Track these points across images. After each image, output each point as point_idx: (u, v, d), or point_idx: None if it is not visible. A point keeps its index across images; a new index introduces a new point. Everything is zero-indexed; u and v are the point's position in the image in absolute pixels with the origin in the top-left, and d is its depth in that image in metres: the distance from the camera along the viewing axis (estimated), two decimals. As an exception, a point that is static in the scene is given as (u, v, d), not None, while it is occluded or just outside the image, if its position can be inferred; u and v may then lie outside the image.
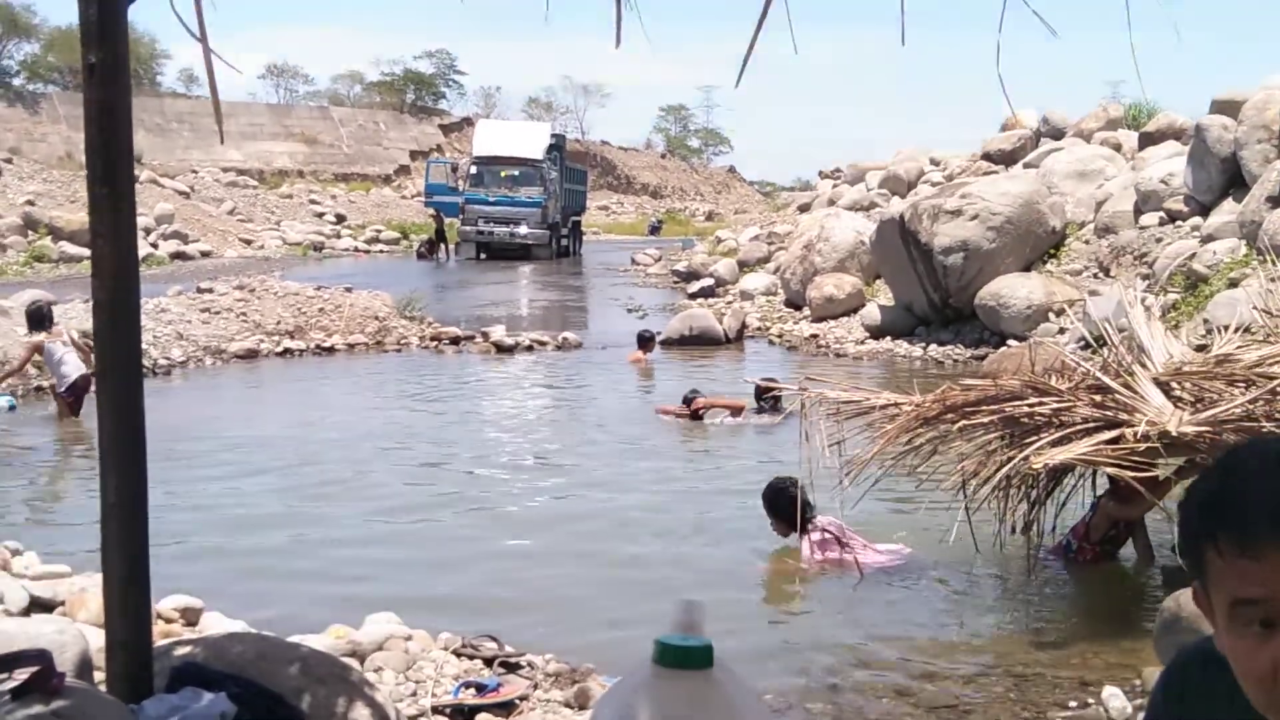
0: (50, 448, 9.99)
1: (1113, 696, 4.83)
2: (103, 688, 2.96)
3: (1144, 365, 6.52)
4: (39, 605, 4.57)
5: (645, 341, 15.77)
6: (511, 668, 4.62)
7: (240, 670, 3.07)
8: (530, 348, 16.87)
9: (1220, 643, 1.23)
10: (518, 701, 4.27)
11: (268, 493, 8.70)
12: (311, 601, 6.08)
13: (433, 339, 17.27)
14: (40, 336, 10.83)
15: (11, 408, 11.23)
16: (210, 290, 17.88)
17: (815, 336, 18.13)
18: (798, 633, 5.97)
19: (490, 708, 4.20)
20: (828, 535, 6.75)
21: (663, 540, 7.48)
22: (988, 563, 6.85)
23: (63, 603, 4.60)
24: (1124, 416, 5.91)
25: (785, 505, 6.77)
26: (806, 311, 19.68)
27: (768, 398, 10.88)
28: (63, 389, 10.61)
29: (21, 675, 2.59)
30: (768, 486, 6.96)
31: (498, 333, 17.17)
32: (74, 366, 10.63)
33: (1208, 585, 1.24)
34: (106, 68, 2.95)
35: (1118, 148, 21.27)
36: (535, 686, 4.48)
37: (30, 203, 32.91)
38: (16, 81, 55.22)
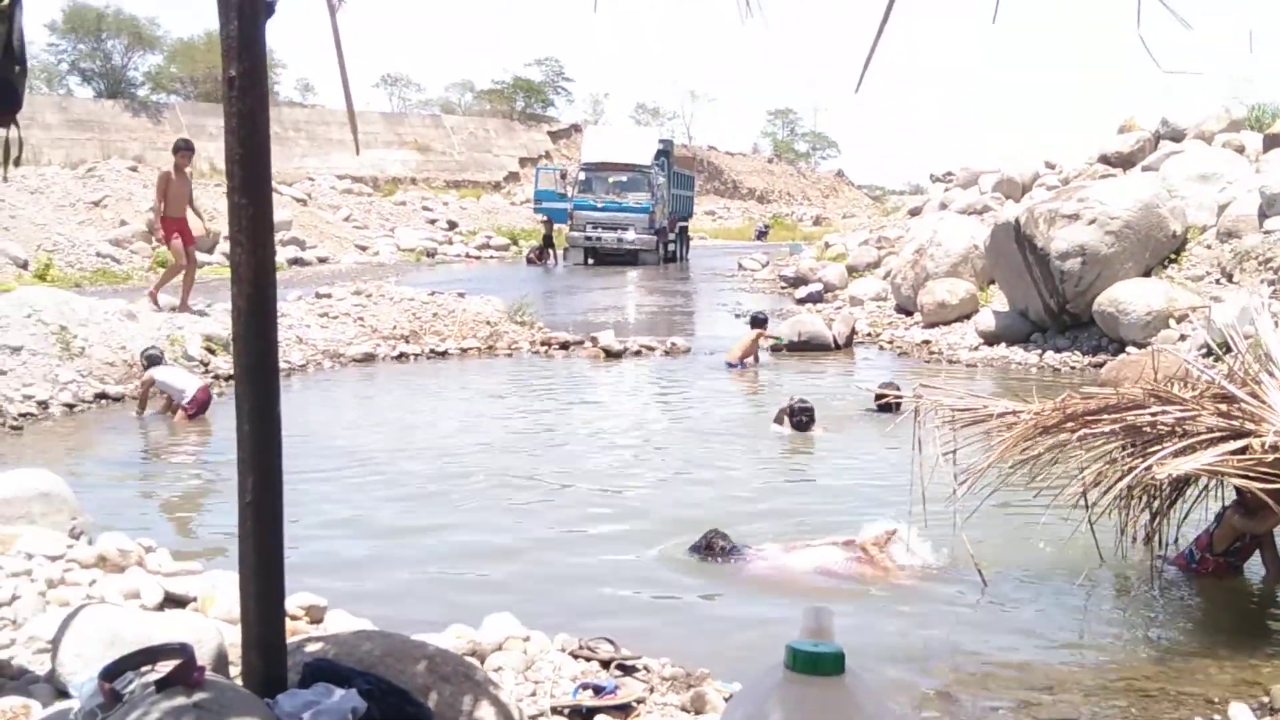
0: (171, 452, 10.28)
1: (1240, 713, 4.70)
2: (238, 682, 3.06)
3: (1272, 374, 6.35)
4: (172, 601, 4.72)
5: (761, 322, 16.39)
6: (628, 670, 4.65)
7: (369, 667, 3.14)
8: (638, 353, 16.94)
9: None
10: (634, 704, 4.30)
11: (381, 495, 8.86)
12: (431, 602, 6.19)
13: (542, 344, 17.42)
14: (150, 373, 11.67)
15: None
16: (328, 295, 18.28)
17: (927, 343, 17.94)
18: (914, 640, 5.91)
19: (608, 709, 4.23)
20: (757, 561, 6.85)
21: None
22: (1110, 573, 6.73)
23: (194, 599, 4.74)
24: (1251, 426, 5.76)
25: (715, 555, 6.91)
26: (917, 317, 19.48)
27: (884, 405, 10.83)
28: (186, 402, 11.20)
29: (164, 668, 2.69)
30: (701, 541, 7.04)
31: (606, 338, 17.27)
32: (190, 383, 11.52)
33: None
34: (246, 80, 3.06)
35: (1241, 150, 20.68)
36: (651, 690, 4.50)
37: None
38: (141, 92, 57.10)
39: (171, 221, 15.76)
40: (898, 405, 9.46)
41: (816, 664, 1.75)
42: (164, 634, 3.24)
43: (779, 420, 11.01)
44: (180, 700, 2.60)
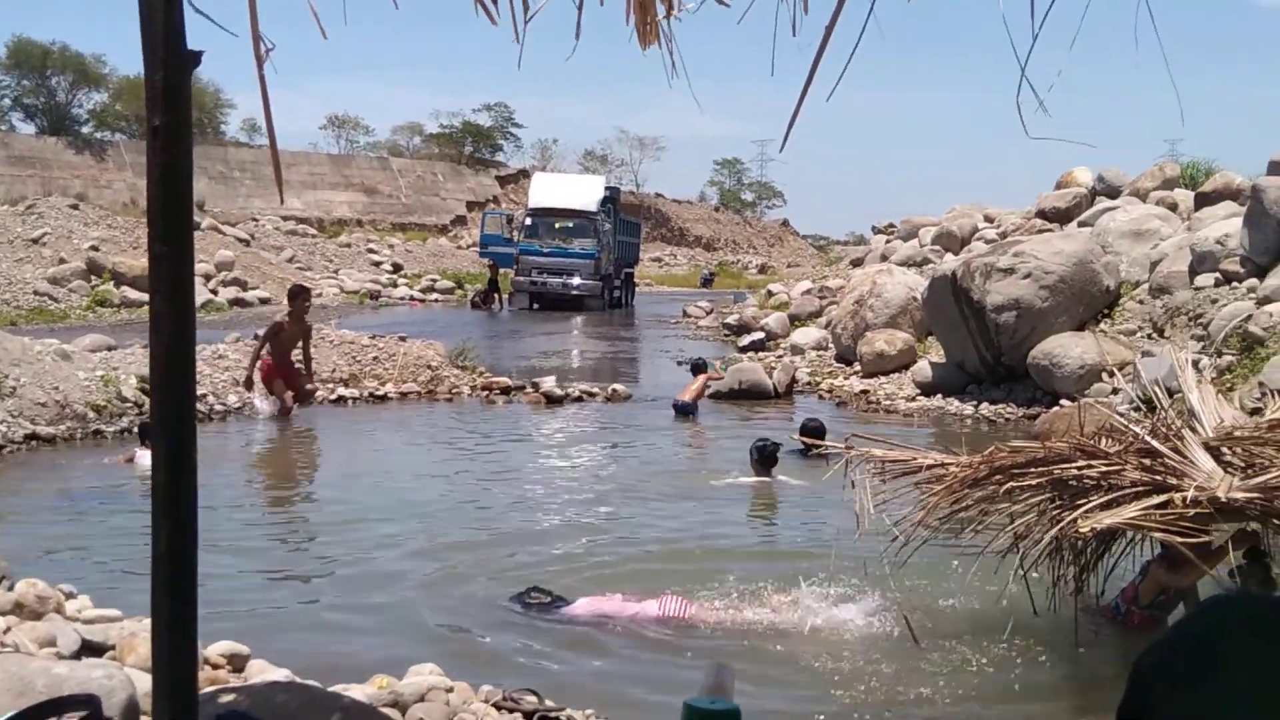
0: (101, 496, 10.13)
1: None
2: (149, 733, 3.02)
3: (1194, 429, 6.47)
4: (90, 649, 4.65)
5: (700, 368, 16.70)
6: (551, 722, 4.63)
7: None
8: (580, 399, 16.94)
9: None
10: (556, 756, 4.29)
11: (311, 538, 8.79)
12: (354, 651, 6.14)
13: (484, 389, 17.37)
14: (137, 454, 10.84)
15: None
16: (267, 338, 18.12)
17: (866, 392, 18.07)
18: (846, 696, 5.93)
19: (529, 762, 4.21)
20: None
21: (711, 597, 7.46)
22: (1039, 625, 6.78)
23: (113, 647, 4.68)
24: (1173, 481, 5.86)
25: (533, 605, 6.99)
26: (857, 367, 19.63)
27: (811, 453, 10.92)
28: None
29: (71, 719, 2.65)
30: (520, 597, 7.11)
31: (548, 384, 17.26)
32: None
33: None
34: (170, 131, 3.04)
35: (1174, 207, 21.12)
36: (574, 741, 4.49)
37: (95, 248, 33.58)
38: (85, 129, 56.58)
39: (275, 368, 14.69)
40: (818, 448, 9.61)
41: (712, 721, 1.76)
42: (76, 684, 3.20)
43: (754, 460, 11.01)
44: (84, 753, 2.56)
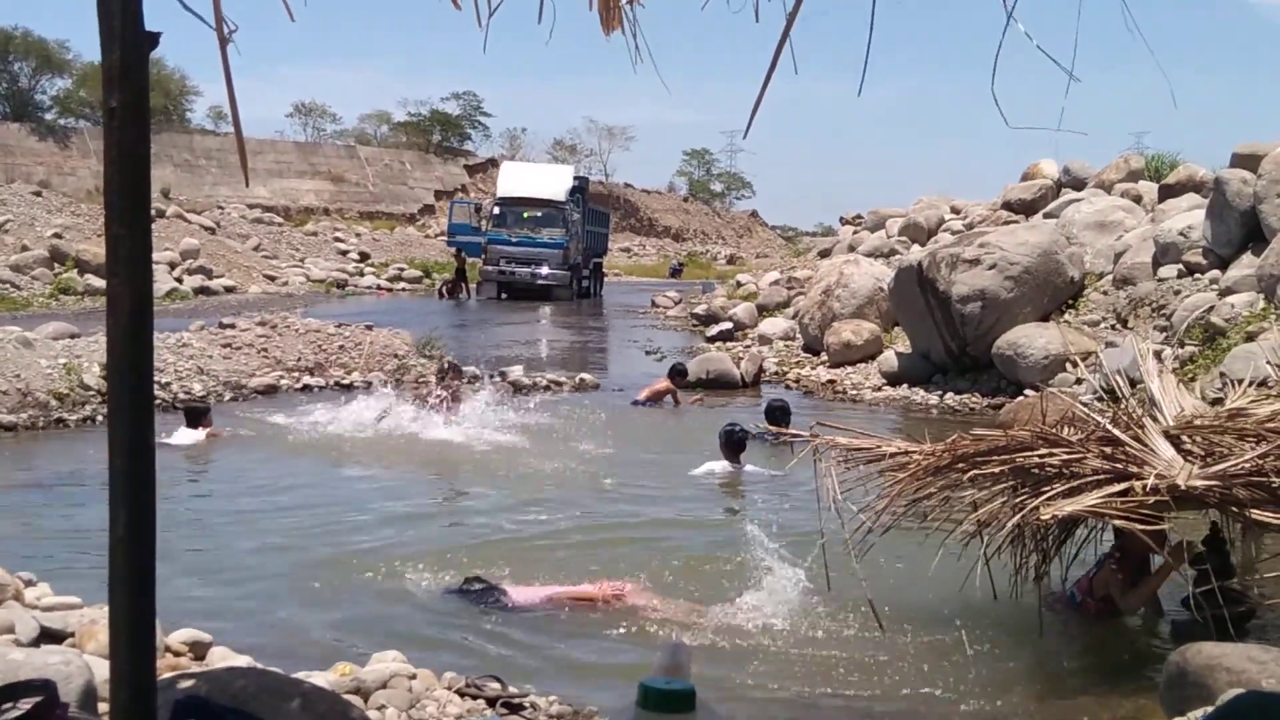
0: (62, 482, 10.06)
1: (1117, 750, 4.81)
2: (106, 719, 3.00)
3: (1155, 418, 6.53)
4: (49, 636, 4.61)
5: (676, 375, 16.06)
6: (514, 708, 4.64)
7: (242, 705, 3.10)
8: (547, 388, 16.92)
9: None
10: (519, 742, 4.29)
11: (279, 529, 8.75)
12: (318, 639, 6.12)
13: (451, 378, 17.30)
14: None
15: None
16: (232, 326, 18.03)
17: (832, 382, 18.14)
18: (804, 679, 5.96)
19: (491, 748, 4.22)
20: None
21: (667, 578, 7.48)
22: (1000, 612, 6.83)
23: (72, 634, 4.64)
24: (1134, 469, 5.91)
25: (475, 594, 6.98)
26: (824, 357, 19.70)
27: (780, 440, 10.95)
28: None
29: (25, 705, 2.63)
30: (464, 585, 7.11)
31: (515, 373, 17.23)
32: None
33: None
34: (128, 111, 3.02)
35: (1138, 199, 21.31)
36: (537, 728, 4.49)
37: (58, 235, 33.26)
38: (48, 116, 55.99)
39: None
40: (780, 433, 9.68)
41: (667, 701, 1.76)
42: (32, 669, 3.17)
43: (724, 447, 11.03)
44: (40, 738, 2.55)
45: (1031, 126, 2.40)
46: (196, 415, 12.03)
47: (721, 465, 10.91)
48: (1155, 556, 6.35)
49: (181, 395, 14.24)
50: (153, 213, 2.97)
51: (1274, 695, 1.33)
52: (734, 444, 10.91)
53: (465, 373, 12.69)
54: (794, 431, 8.81)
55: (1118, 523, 5.89)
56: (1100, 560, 6.79)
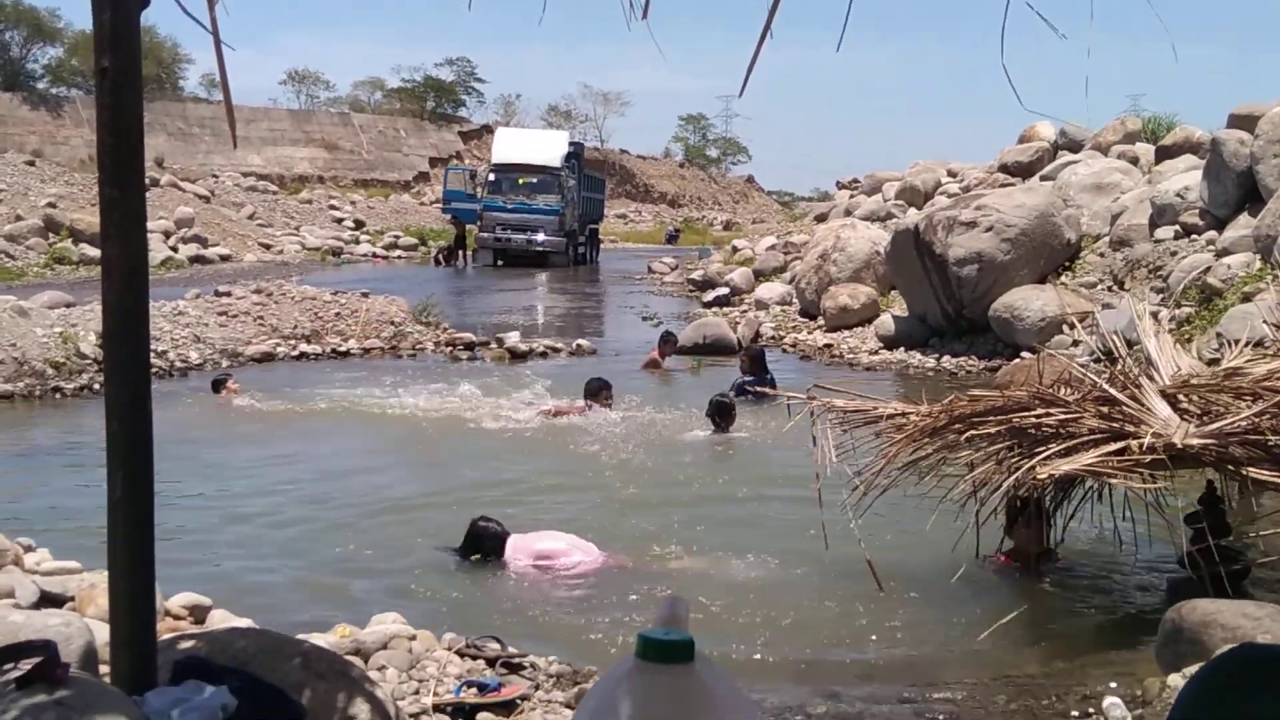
0: (61, 448, 10.07)
1: (1113, 707, 4.84)
2: (107, 680, 3.02)
3: (1152, 378, 6.53)
4: (49, 600, 4.63)
5: (667, 343, 15.89)
6: (514, 668, 4.66)
7: (243, 664, 3.12)
8: (544, 354, 16.92)
9: None
10: (519, 701, 4.31)
11: (278, 494, 8.77)
12: (318, 603, 6.15)
13: (447, 345, 17.33)
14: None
15: None
16: (228, 294, 18.01)
17: (829, 346, 18.15)
18: (803, 637, 5.99)
19: (491, 707, 4.24)
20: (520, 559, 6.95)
21: (670, 544, 7.51)
22: (994, 573, 6.86)
23: (72, 598, 4.66)
24: (1130, 428, 5.92)
25: (488, 542, 6.99)
26: (821, 321, 19.69)
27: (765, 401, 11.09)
28: None
29: (26, 665, 2.64)
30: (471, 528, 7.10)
31: (512, 339, 17.23)
32: None
33: None
34: (119, 72, 3.02)
35: (1135, 161, 21.24)
36: (537, 687, 4.52)
37: (52, 205, 33.14)
38: (40, 85, 55.69)
39: None
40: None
41: (666, 652, 1.77)
42: (33, 631, 3.18)
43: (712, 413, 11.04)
44: (41, 698, 2.56)
45: (1043, 114, 2.38)
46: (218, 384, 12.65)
47: (708, 432, 10.95)
48: None
49: (179, 363, 14.24)
50: (146, 181, 2.95)
51: (1266, 646, 1.31)
52: (722, 412, 10.94)
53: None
54: (790, 393, 8.81)
55: (1115, 481, 5.90)
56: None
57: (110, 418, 3.06)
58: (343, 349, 16.45)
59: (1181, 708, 1.34)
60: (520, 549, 6.95)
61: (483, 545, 6.96)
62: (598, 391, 11.81)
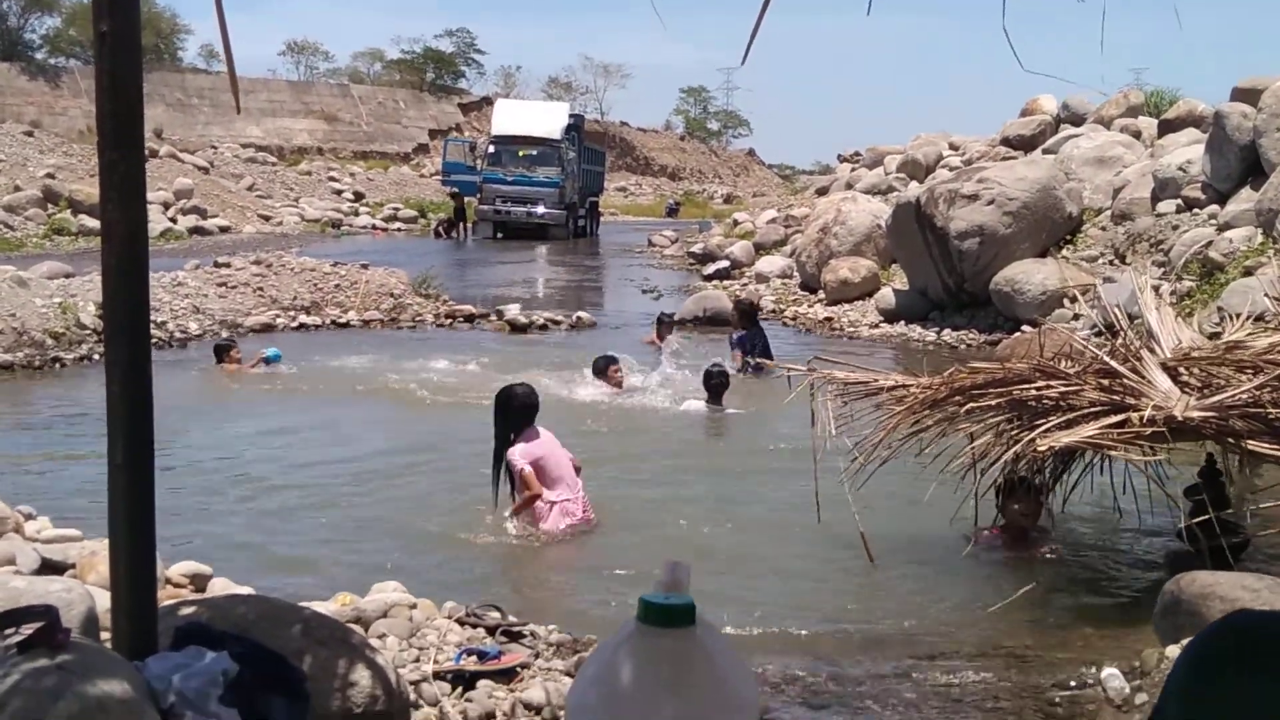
0: (62, 416, 10.07)
1: (1111, 677, 4.86)
2: (109, 646, 3.02)
3: (1152, 351, 6.53)
4: (50, 568, 4.64)
5: (663, 325, 15.72)
6: (514, 637, 4.67)
7: (243, 631, 3.12)
8: (544, 327, 16.91)
9: None
10: (519, 670, 4.33)
11: (278, 463, 8.78)
12: (319, 571, 6.16)
13: (447, 316, 17.32)
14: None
15: (277, 357, 12.81)
16: (227, 265, 17.97)
17: (829, 320, 18.14)
18: (800, 610, 6.01)
19: (491, 674, 4.25)
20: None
21: (669, 517, 7.52)
22: (985, 548, 6.86)
23: (73, 565, 4.67)
24: (1131, 401, 5.92)
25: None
26: (821, 295, 19.67)
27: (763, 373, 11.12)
28: None
29: (28, 630, 2.65)
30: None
31: (512, 311, 17.21)
32: None
33: None
34: (118, 37, 2.99)
35: (1137, 134, 21.18)
36: (537, 655, 4.53)
37: (50, 176, 33.04)
38: (38, 56, 55.46)
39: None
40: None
41: (667, 615, 1.77)
42: (34, 596, 3.19)
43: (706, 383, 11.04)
44: (43, 662, 2.57)
45: (1046, 74, 2.36)
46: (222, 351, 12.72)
47: (699, 404, 10.94)
48: None
49: (178, 334, 14.23)
50: (145, 152, 2.94)
51: (1259, 613, 1.31)
52: (715, 386, 10.93)
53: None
54: (789, 365, 8.81)
55: (1115, 454, 5.91)
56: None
57: (110, 380, 3.06)
58: (342, 320, 16.45)
59: (1176, 676, 1.34)
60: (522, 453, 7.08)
61: (509, 408, 7.16)
62: (605, 368, 11.77)
